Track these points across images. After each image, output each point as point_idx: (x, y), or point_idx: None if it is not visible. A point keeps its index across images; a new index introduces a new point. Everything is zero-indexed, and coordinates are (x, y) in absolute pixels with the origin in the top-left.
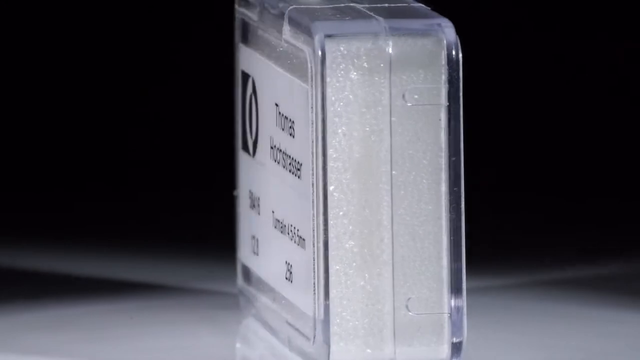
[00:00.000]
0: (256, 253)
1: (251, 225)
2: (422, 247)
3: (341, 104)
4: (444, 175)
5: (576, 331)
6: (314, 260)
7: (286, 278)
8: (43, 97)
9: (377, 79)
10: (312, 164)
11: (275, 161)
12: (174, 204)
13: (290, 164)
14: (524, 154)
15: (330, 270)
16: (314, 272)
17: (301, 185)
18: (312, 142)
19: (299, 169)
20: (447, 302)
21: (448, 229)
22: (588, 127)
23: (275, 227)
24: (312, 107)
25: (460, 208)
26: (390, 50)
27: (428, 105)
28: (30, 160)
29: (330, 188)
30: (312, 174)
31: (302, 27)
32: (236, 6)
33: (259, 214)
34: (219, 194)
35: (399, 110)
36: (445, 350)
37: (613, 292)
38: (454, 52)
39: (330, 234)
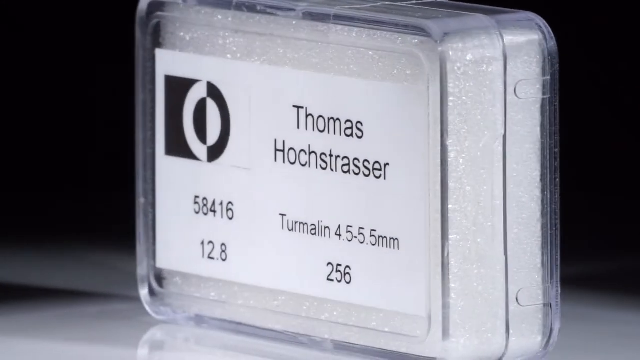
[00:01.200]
0: (219, 258)
1: (203, 231)
2: (527, 238)
3: (458, 100)
4: (546, 167)
5: (576, 331)
6: (428, 257)
7: (329, 279)
8: None
9: (491, 74)
10: (427, 161)
11: (292, 163)
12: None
13: (348, 164)
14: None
15: (450, 267)
16: (428, 269)
17: (385, 185)
18: (426, 140)
19: (379, 169)
20: (549, 291)
21: (551, 220)
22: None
23: (291, 229)
24: (428, 106)
25: (559, 199)
26: (503, 45)
27: (534, 97)
28: None
29: (450, 185)
30: (426, 172)
31: (402, 26)
32: (143, 14)
33: (230, 218)
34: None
35: (511, 103)
36: (546, 337)
37: (613, 291)
38: (552, 44)
39: (450, 231)
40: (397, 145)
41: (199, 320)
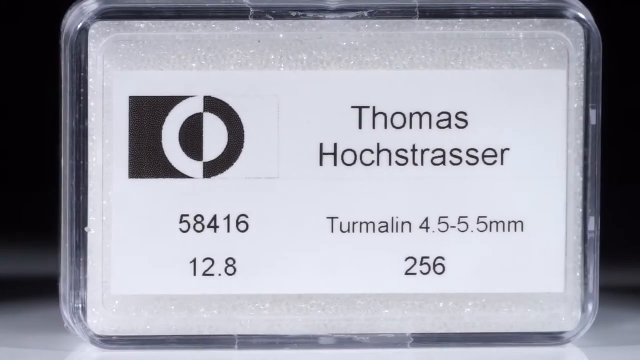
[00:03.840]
0: (223, 274)
1: (195, 249)
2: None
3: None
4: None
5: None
6: (569, 235)
7: (409, 273)
8: None
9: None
10: (563, 140)
11: (348, 165)
12: None
13: (442, 156)
14: None
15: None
16: (568, 247)
17: (502, 170)
18: (566, 119)
19: (492, 155)
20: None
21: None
22: None
23: (346, 230)
24: (567, 89)
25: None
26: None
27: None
28: None
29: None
30: (563, 151)
31: (541, 9)
32: (91, 37)
33: (242, 231)
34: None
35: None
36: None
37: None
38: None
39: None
40: (520, 129)
41: (162, 341)
